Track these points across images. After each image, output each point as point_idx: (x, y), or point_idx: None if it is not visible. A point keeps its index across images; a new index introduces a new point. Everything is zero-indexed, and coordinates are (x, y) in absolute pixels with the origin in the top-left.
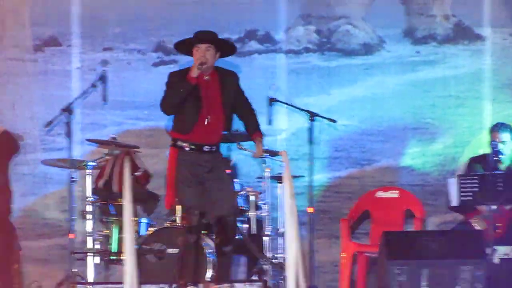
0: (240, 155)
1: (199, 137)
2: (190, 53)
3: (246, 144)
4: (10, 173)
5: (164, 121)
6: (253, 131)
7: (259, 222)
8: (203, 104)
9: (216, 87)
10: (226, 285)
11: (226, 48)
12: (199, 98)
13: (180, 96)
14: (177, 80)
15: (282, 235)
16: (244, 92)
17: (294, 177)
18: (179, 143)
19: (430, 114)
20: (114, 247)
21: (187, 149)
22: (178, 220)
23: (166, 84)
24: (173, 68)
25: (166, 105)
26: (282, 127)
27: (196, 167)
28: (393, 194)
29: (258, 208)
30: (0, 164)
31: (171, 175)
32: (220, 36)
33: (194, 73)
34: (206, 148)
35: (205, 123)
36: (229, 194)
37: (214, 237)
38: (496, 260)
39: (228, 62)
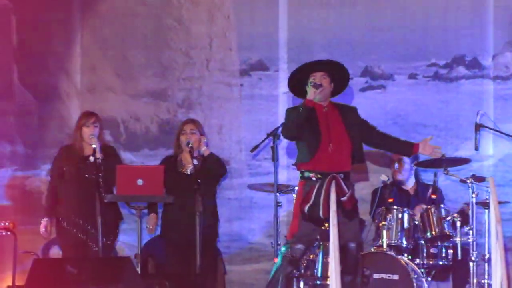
0: (447, 181)
1: (324, 165)
2: (303, 96)
3: (453, 169)
4: (217, 197)
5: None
6: (407, 143)
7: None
8: (322, 131)
9: (337, 117)
10: None
11: (340, 78)
12: (317, 126)
13: (298, 118)
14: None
15: (488, 261)
16: (368, 122)
17: (501, 202)
18: (306, 174)
19: None
20: (319, 271)
21: (314, 178)
22: (385, 245)
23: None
24: (380, 93)
25: (285, 128)
26: (489, 153)
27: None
28: None
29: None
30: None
31: (296, 206)
32: (427, 62)
33: (310, 95)
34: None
35: (329, 150)
36: (353, 222)
37: None
38: None
39: None
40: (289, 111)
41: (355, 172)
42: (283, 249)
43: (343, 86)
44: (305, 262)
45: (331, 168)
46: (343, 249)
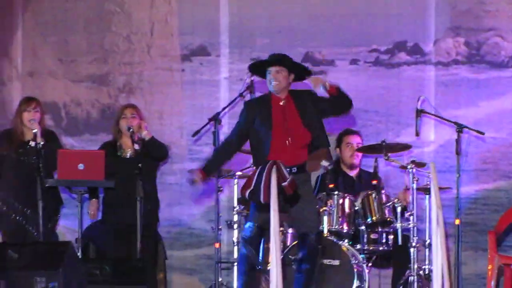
0: (388, 167)
1: (287, 159)
2: (263, 76)
3: (394, 155)
4: (157, 182)
5: None
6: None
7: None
8: (275, 129)
9: (293, 110)
10: None
11: (299, 70)
12: (270, 125)
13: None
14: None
15: (428, 246)
16: (322, 98)
17: (441, 188)
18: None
19: None
20: (260, 256)
21: None
22: (325, 231)
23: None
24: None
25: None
26: (430, 139)
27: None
28: None
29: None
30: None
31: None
32: (369, 48)
33: None
34: (293, 169)
35: (287, 144)
36: (312, 212)
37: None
38: None
39: None
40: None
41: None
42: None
43: (303, 72)
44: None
45: (287, 162)
46: (302, 237)
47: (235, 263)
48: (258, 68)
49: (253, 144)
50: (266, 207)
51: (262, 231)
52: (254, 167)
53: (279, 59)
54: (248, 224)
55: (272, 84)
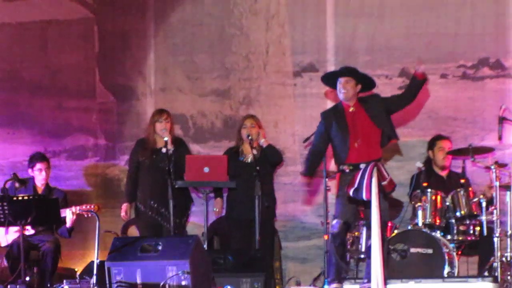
0: (474, 168)
1: (354, 159)
2: (334, 86)
3: (479, 157)
4: (274, 182)
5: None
6: (411, 80)
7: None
8: (350, 131)
9: (363, 114)
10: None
11: (366, 81)
12: (346, 128)
13: None
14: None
15: (510, 236)
16: (389, 96)
17: None
18: (341, 167)
19: None
20: (363, 246)
21: (347, 170)
22: (420, 224)
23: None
24: None
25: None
26: (511, 142)
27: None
28: None
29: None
30: (266, 174)
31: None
32: (456, 64)
33: None
34: (361, 165)
35: (355, 146)
36: (385, 205)
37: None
38: None
39: None
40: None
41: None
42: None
43: (370, 82)
44: (351, 238)
45: (360, 160)
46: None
47: None
48: (329, 79)
49: (333, 147)
50: (351, 204)
51: (348, 226)
52: (337, 167)
53: (348, 71)
54: (336, 221)
55: (342, 92)
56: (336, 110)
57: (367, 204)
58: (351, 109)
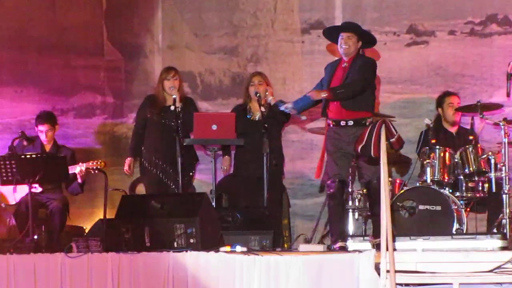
0: (483, 124)
1: (334, 114)
2: (335, 40)
3: (488, 114)
4: (282, 140)
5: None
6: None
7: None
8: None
9: (351, 71)
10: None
11: (368, 38)
12: (328, 83)
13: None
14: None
15: None
16: (364, 70)
17: None
18: (328, 121)
19: None
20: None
21: (331, 125)
22: (428, 180)
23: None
24: (424, 48)
25: None
26: None
27: (338, 141)
28: None
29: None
30: (273, 131)
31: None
32: (464, 20)
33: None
34: (342, 123)
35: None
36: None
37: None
38: None
39: None
40: None
41: None
42: None
43: (371, 38)
44: (356, 195)
45: (338, 116)
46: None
47: (349, 210)
48: (332, 33)
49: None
50: (344, 159)
51: (343, 184)
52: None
53: (351, 26)
54: (331, 180)
55: (343, 47)
56: (334, 63)
57: (360, 157)
58: (344, 65)
